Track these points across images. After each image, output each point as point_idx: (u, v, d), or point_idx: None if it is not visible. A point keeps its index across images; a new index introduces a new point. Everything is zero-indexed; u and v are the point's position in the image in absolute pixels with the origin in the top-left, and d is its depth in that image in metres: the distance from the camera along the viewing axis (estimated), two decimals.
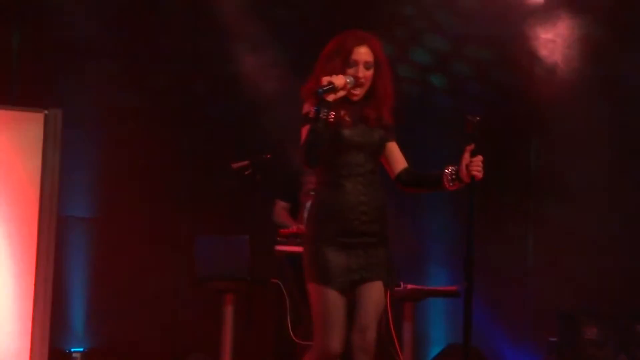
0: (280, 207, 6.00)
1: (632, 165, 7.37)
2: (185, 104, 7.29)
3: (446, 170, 3.87)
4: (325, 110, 3.71)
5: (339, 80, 3.77)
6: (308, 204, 5.88)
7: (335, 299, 3.86)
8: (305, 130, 3.80)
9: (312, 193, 5.84)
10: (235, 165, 5.79)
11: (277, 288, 5.55)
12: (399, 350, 4.76)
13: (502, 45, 7.50)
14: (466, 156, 3.83)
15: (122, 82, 7.17)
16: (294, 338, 5.42)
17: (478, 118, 3.83)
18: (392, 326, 4.70)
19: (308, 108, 3.85)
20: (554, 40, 7.51)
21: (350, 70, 3.86)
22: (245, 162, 5.77)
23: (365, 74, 3.89)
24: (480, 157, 3.81)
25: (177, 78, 7.28)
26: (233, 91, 7.29)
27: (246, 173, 5.72)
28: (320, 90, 3.72)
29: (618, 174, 7.37)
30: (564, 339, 6.73)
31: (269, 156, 5.90)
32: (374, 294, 3.91)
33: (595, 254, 7.28)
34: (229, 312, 5.60)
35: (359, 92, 3.90)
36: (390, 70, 4.00)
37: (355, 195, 3.88)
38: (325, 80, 3.75)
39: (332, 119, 3.74)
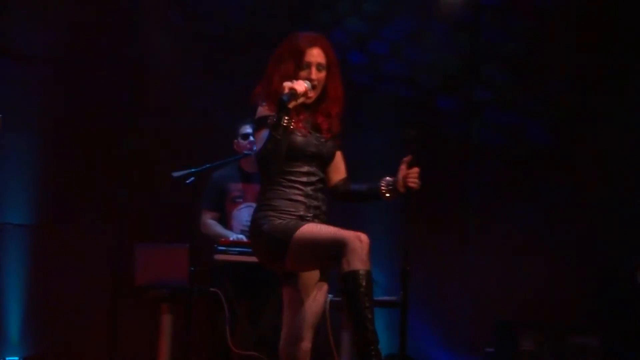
0: (210, 218, 5.97)
1: (567, 181, 7.51)
2: (125, 111, 7.24)
3: (383, 181, 3.90)
4: (287, 118, 3.68)
5: (300, 86, 3.74)
6: (234, 212, 5.90)
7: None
8: (259, 135, 3.79)
9: (238, 201, 5.89)
10: (176, 174, 5.77)
11: (216, 297, 5.53)
12: None
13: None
14: (403, 167, 3.86)
15: (61, 87, 7.11)
16: (231, 347, 5.41)
17: (415, 131, 3.88)
18: (330, 336, 4.72)
19: (264, 112, 3.82)
20: None
21: (303, 73, 3.84)
22: (187, 172, 5.75)
23: (318, 75, 3.87)
24: (416, 169, 3.84)
25: (117, 83, 7.23)
26: (174, 98, 7.27)
27: (187, 182, 5.70)
28: (285, 97, 3.68)
29: (553, 187, 7.51)
30: (501, 349, 6.78)
31: None
32: (319, 295, 3.90)
33: (531, 267, 7.37)
34: (167, 320, 5.57)
35: (312, 94, 3.87)
36: (340, 72, 3.97)
37: (308, 202, 3.84)
38: (286, 86, 3.72)
39: (292, 126, 3.73)
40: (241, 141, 5.94)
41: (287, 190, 3.82)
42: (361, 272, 3.58)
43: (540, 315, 7.18)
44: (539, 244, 7.40)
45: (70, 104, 7.10)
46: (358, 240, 3.61)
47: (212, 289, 5.55)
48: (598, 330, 6.71)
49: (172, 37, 7.28)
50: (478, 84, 7.67)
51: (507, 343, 6.67)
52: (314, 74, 3.85)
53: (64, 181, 7.04)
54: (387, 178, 3.89)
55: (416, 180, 3.83)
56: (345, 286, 3.60)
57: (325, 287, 3.92)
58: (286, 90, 3.70)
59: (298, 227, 3.71)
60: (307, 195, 3.83)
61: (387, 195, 3.89)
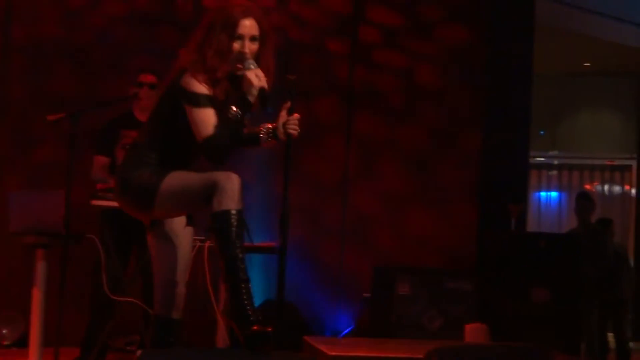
0: (100, 164, 5.88)
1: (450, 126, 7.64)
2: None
3: (262, 128, 3.88)
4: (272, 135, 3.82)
5: (263, 80, 3.71)
6: None
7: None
8: (198, 113, 3.67)
9: (127, 147, 5.80)
10: (51, 117, 5.63)
11: (93, 243, 5.45)
12: (215, 306, 4.78)
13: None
14: (283, 114, 3.84)
15: None
16: (109, 294, 5.34)
17: (295, 77, 3.86)
18: (209, 283, 4.71)
19: (198, 86, 3.69)
20: None
21: (236, 45, 3.72)
22: (62, 114, 5.62)
23: (251, 47, 3.76)
24: (296, 115, 3.83)
25: None
26: (52, 41, 7.11)
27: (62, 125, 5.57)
28: (269, 108, 3.71)
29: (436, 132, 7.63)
30: (378, 294, 6.90)
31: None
32: (186, 239, 3.91)
33: (407, 213, 7.49)
34: (40, 267, 5.47)
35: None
36: (274, 43, 3.87)
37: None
38: (257, 85, 3.69)
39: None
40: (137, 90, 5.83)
41: (168, 155, 3.77)
42: (232, 211, 3.59)
43: (416, 261, 7.32)
44: (418, 190, 7.52)
45: None
46: (229, 180, 3.60)
47: (89, 235, 5.47)
48: (472, 275, 6.89)
49: None
50: (366, 26, 7.67)
51: (384, 288, 6.78)
52: (247, 46, 3.74)
53: None
54: (267, 125, 3.87)
55: (296, 127, 3.82)
56: (216, 225, 3.59)
57: (191, 230, 3.93)
58: (255, 91, 3.68)
59: (164, 175, 3.68)
60: (186, 164, 3.81)
61: (268, 142, 3.88)
